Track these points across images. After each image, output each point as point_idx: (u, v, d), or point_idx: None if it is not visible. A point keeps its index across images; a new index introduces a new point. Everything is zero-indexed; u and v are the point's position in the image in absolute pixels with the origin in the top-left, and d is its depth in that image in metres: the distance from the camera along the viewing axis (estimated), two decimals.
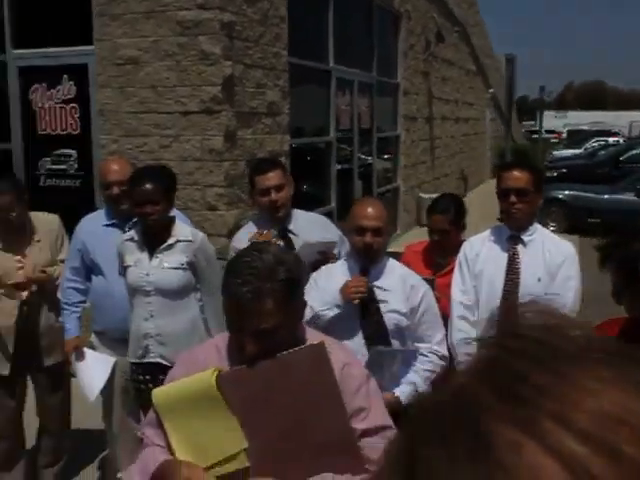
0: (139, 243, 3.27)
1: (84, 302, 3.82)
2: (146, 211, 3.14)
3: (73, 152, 6.63)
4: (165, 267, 3.22)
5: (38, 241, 3.87)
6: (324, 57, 8.55)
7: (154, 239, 3.26)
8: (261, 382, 1.73)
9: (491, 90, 22.63)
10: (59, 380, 4.01)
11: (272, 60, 6.87)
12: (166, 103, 6.10)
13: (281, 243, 3.37)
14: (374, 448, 1.77)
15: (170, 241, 3.26)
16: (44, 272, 3.80)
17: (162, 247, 3.25)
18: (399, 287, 2.88)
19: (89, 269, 3.74)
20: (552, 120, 50.83)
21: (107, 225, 3.70)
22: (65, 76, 6.54)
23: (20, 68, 6.73)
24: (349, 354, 1.95)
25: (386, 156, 11.58)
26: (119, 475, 3.89)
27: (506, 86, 14.91)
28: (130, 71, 6.18)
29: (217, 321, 3.34)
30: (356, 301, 2.79)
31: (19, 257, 3.84)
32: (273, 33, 6.88)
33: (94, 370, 3.71)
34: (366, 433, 1.81)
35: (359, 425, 1.80)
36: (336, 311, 2.79)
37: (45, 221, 3.96)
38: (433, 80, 13.86)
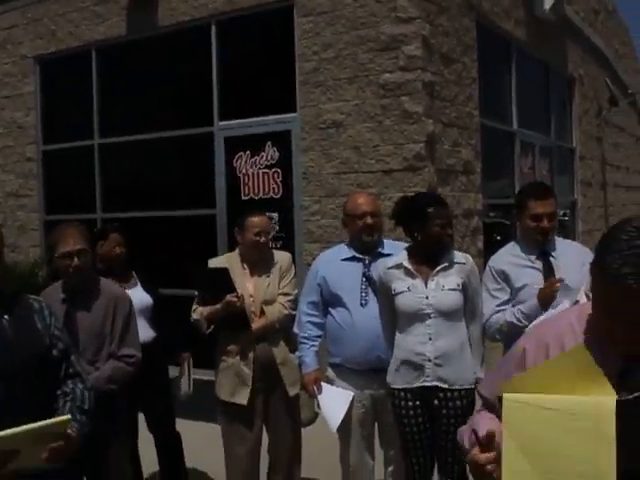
0: (408, 269, 3.33)
1: (321, 336, 3.91)
2: (449, 233, 3.26)
3: (275, 215, 6.90)
4: (445, 289, 3.26)
5: (268, 276, 4.06)
6: (509, 119, 8.56)
7: (426, 263, 3.32)
8: None
9: None
10: (294, 413, 4.08)
11: (466, 120, 6.96)
12: (368, 163, 6.28)
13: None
14: None
15: (445, 263, 3.31)
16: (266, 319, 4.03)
17: (439, 269, 3.31)
18: None
19: (326, 303, 3.85)
20: None
21: (346, 259, 3.83)
22: (269, 143, 6.88)
23: (226, 138, 7.17)
24: None
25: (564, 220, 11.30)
26: None
27: None
28: (333, 134, 6.44)
29: (478, 344, 3.38)
30: None
31: (251, 289, 4.04)
32: (466, 93, 6.98)
33: (334, 403, 3.76)
34: None
35: None
36: None
37: (280, 257, 4.17)
38: (606, 146, 13.52)
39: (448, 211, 3.42)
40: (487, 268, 3.64)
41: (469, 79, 7.06)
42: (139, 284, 4.63)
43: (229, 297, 3.90)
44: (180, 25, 7.34)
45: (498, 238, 8.45)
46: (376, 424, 3.88)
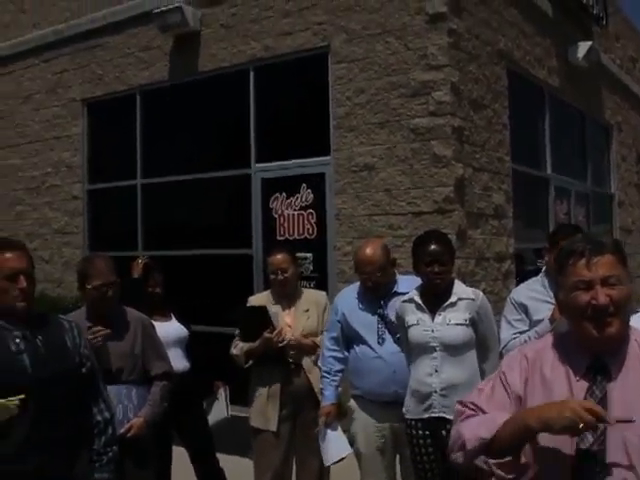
0: (418, 304, 3.46)
1: (342, 370, 4.03)
2: (435, 270, 3.36)
3: (309, 255, 7.06)
4: (450, 323, 3.38)
5: (307, 310, 4.22)
6: (542, 165, 8.64)
7: (435, 298, 3.44)
8: None
9: None
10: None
11: (497, 165, 7.07)
12: (399, 205, 6.42)
13: None
14: None
15: (452, 299, 3.43)
16: (311, 340, 4.15)
17: (445, 305, 3.43)
18: None
19: (347, 339, 3.98)
20: None
21: (363, 299, 3.95)
22: (303, 185, 7.09)
23: (263, 180, 7.40)
24: None
25: None
26: None
27: None
28: (365, 177, 6.61)
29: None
30: None
31: (289, 321, 4.19)
32: (497, 139, 7.11)
33: (335, 444, 3.93)
34: None
35: None
36: None
37: (314, 295, 4.35)
38: None
39: (437, 248, 3.46)
40: (508, 300, 3.76)
41: (500, 125, 7.19)
42: (174, 318, 4.81)
43: (266, 334, 4.07)
44: (220, 70, 7.66)
45: None
46: (398, 456, 3.96)
